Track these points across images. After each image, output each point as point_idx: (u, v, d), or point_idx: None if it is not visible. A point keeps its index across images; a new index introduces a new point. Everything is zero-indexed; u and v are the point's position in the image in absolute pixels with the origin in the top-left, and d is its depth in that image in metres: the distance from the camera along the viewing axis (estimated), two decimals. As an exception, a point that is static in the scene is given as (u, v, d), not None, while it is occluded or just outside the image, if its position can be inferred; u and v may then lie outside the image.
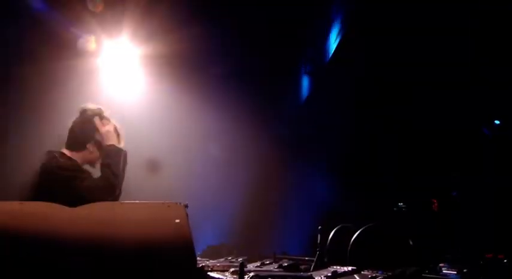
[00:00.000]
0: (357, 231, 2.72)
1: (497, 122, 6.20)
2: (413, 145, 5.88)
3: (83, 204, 2.01)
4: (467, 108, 5.42)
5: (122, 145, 3.10)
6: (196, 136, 6.32)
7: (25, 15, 5.18)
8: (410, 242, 2.59)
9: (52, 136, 5.28)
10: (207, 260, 3.72)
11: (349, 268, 2.22)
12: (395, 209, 5.11)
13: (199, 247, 4.76)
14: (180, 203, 2.00)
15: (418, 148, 5.83)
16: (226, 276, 2.44)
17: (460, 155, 5.50)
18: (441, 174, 5.41)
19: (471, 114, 5.50)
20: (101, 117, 3.12)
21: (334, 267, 2.36)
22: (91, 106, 3.15)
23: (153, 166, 5.93)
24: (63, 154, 3.04)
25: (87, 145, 3.07)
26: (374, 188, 5.76)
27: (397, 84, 5.78)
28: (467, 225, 4.73)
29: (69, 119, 3.14)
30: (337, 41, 5.73)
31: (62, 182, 2.81)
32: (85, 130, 3.09)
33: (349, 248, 2.65)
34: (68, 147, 3.08)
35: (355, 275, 2.10)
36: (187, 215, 1.99)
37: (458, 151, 5.51)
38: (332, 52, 5.87)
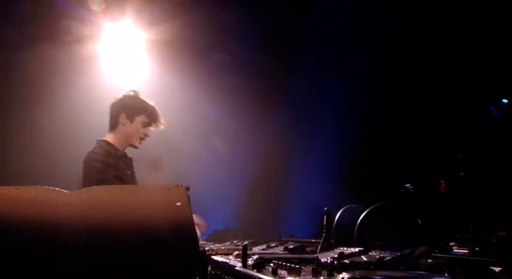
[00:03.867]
0: (364, 211, 2.66)
1: (505, 101, 6.12)
2: (414, 139, 5.82)
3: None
4: (468, 101, 5.35)
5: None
6: (201, 122, 6.24)
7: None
8: (419, 222, 2.53)
9: (51, 122, 5.26)
10: (213, 244, 3.70)
11: (356, 249, 2.17)
12: (402, 190, 5.05)
13: (205, 232, 4.74)
14: (180, 186, 1.96)
15: (419, 142, 5.77)
16: (230, 259, 2.39)
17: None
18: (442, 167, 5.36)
19: (472, 108, 5.43)
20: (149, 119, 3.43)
21: (341, 248, 2.31)
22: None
23: (158, 151, 5.86)
24: (105, 141, 3.35)
25: (119, 119, 3.33)
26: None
27: (397, 77, 5.71)
28: (477, 204, 4.67)
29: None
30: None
31: (93, 172, 3.18)
32: (117, 105, 3.37)
33: (356, 229, 2.60)
34: (110, 129, 3.38)
35: (362, 256, 2.04)
36: (188, 197, 1.94)
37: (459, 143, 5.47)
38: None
